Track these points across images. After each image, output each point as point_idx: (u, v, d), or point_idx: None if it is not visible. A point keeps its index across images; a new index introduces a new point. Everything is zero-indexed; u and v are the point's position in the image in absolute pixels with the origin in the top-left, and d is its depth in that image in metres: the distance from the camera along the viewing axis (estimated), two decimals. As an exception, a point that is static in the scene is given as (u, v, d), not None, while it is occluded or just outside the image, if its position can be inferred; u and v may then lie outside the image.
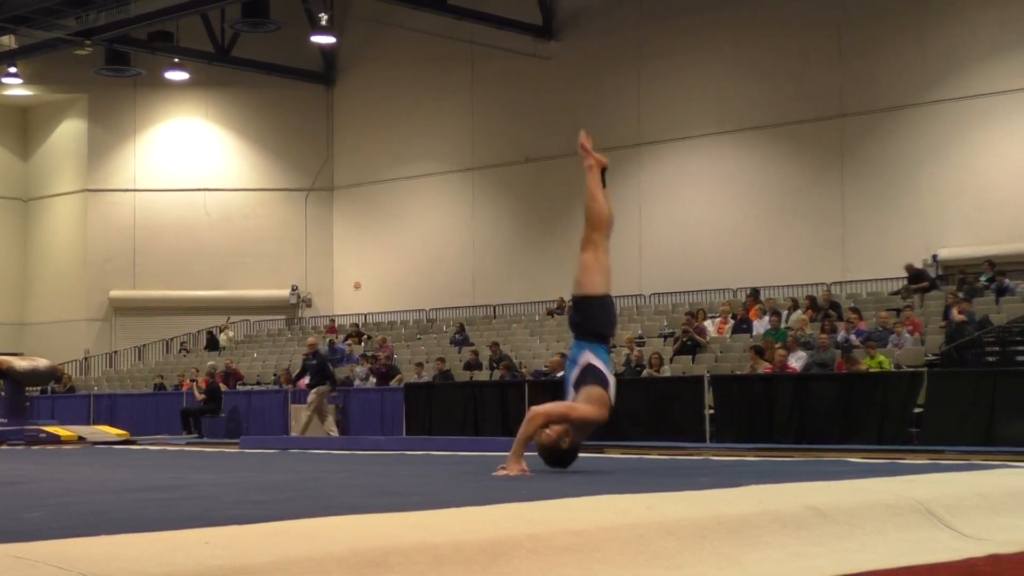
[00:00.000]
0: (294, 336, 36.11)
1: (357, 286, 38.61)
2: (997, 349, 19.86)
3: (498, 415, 21.37)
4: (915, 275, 25.35)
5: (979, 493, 5.58)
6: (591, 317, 8.34)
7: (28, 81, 38.40)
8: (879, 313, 22.60)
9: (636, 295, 31.35)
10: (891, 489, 5.46)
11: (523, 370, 25.27)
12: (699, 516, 4.52)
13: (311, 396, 22.94)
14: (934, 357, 20.14)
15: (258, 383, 30.52)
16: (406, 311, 35.79)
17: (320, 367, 23.57)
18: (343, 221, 39.56)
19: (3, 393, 24.00)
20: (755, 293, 26.48)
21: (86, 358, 38.53)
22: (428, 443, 16.35)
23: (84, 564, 3.45)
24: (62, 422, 23.24)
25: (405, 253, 37.24)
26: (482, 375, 25.72)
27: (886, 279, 26.61)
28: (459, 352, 28.89)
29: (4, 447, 19.35)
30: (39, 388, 30.49)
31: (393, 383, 25.80)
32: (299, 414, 23.60)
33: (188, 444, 20.52)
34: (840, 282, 27.45)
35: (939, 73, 27.59)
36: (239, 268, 39.29)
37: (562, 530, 4.16)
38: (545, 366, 24.53)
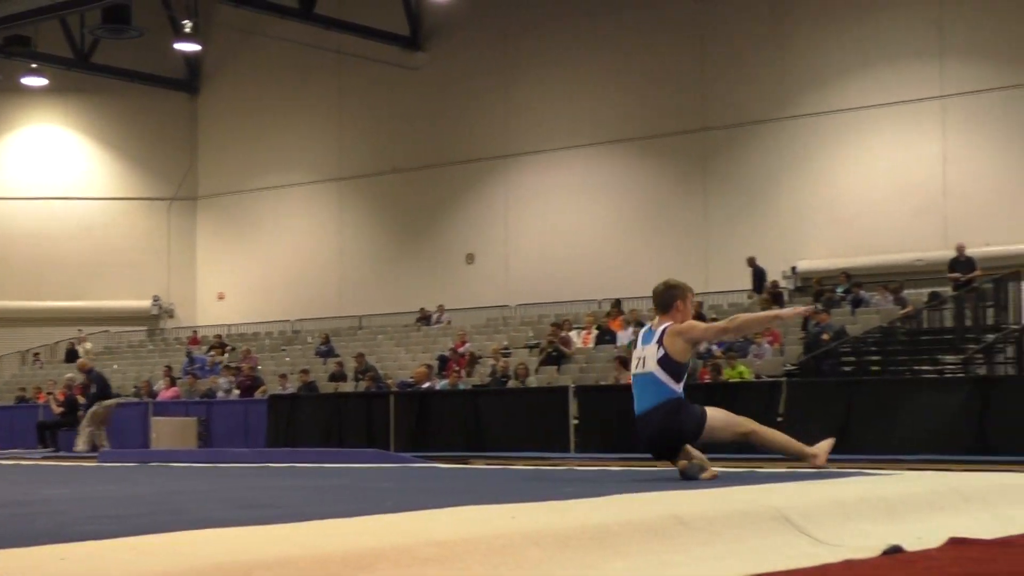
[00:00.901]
0: (156, 347, 35.52)
1: (221, 297, 38.12)
2: (853, 359, 20.33)
3: (363, 427, 21.25)
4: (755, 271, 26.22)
5: (834, 500, 5.71)
6: None
7: None
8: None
9: (502, 306, 31.48)
10: (750, 497, 5.56)
11: (389, 381, 25.17)
12: (563, 525, 4.55)
13: (97, 409, 22.30)
14: (793, 367, 20.54)
15: (118, 395, 29.88)
16: (271, 322, 35.45)
17: (101, 384, 22.94)
18: (207, 231, 39.05)
19: None
20: (617, 304, 26.75)
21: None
22: (292, 455, 16.19)
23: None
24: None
25: (270, 263, 36.88)
26: (347, 386, 25.58)
27: (747, 290, 27.08)
28: (324, 363, 28.69)
29: None
30: None
31: (257, 395, 25.52)
32: (84, 430, 22.95)
33: (44, 458, 20.03)
34: (703, 293, 27.83)
35: (798, 89, 28.20)
36: (99, 278, 38.51)
37: (426, 541, 4.15)
38: (411, 377, 24.48)
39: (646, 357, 7.89)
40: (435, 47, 34.03)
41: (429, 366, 24.30)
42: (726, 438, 8.19)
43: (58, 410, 26.15)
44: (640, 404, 7.94)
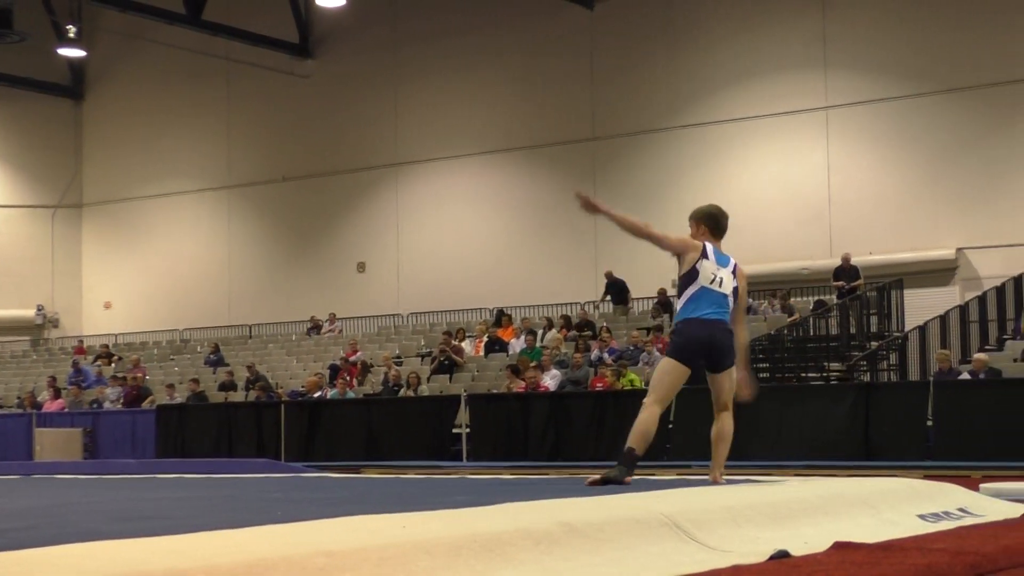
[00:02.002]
0: (40, 358, 34.83)
1: (108, 306, 37.53)
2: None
3: (254, 436, 21.08)
4: (611, 284, 26.50)
5: (723, 506, 5.78)
6: None
7: None
8: (631, 332, 23.18)
9: (393, 315, 31.41)
10: (639, 504, 5.60)
11: (279, 391, 24.97)
12: (454, 534, 4.54)
13: None
14: (682, 374, 20.68)
15: (0, 406, 29.32)
16: (159, 331, 34.98)
17: None
18: (93, 239, 38.42)
19: None
20: (499, 313, 26.86)
21: None
22: (180, 466, 15.99)
23: None
24: None
25: (159, 272, 36.40)
26: (237, 396, 25.32)
27: (638, 298, 27.30)
28: (214, 373, 28.37)
29: None
30: None
31: (145, 405, 25.16)
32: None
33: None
34: (594, 301, 28.04)
35: (687, 99, 28.53)
36: (-19, 287, 37.72)
37: (317, 551, 4.12)
38: (302, 386, 24.31)
39: (724, 279, 8.17)
40: (325, 55, 33.87)
41: (320, 375, 24.16)
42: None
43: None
44: (714, 314, 8.03)
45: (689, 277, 8.22)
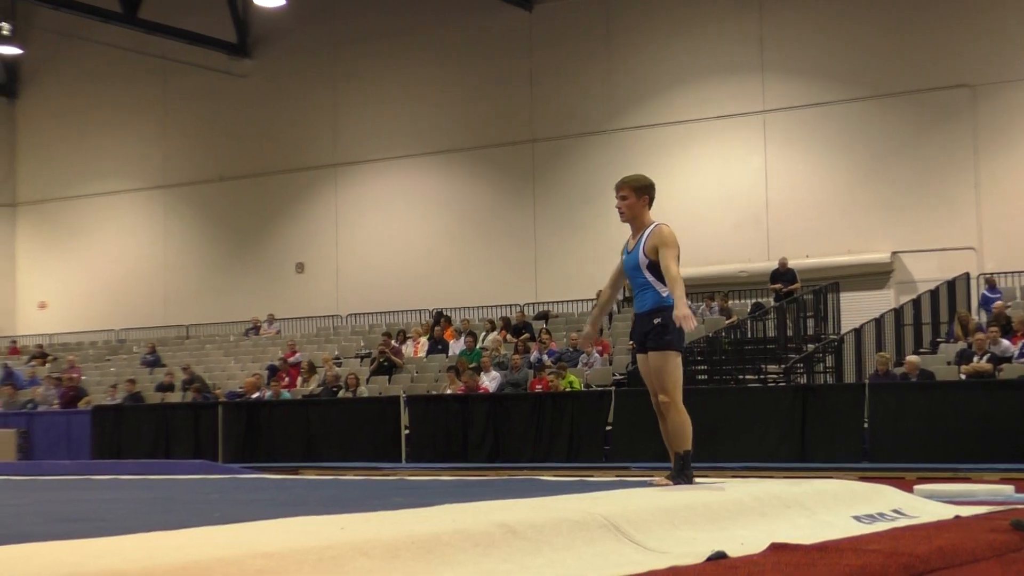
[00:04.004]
0: (-27, 358, 34.38)
1: (43, 306, 37.10)
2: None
3: (191, 438, 20.93)
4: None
5: (660, 507, 5.81)
6: None
7: None
8: (570, 334, 23.24)
9: (333, 315, 31.30)
10: (578, 506, 5.62)
11: (217, 391, 24.81)
12: (392, 536, 4.54)
13: None
14: (621, 376, 20.84)
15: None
16: (95, 331, 34.64)
17: None
18: (27, 237, 37.97)
19: None
20: (438, 316, 26.85)
21: None
22: (116, 467, 15.85)
23: None
24: None
25: (94, 271, 36.03)
26: (174, 397, 25.13)
27: (577, 300, 27.38)
28: (151, 373, 28.15)
29: None
30: None
31: (80, 405, 24.91)
32: None
33: None
34: (532, 303, 28.09)
35: (626, 102, 28.63)
36: (-88, 286, 37.18)
37: (254, 553, 4.11)
38: (240, 387, 24.17)
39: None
40: (262, 54, 33.67)
41: (258, 375, 24.02)
42: None
43: None
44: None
45: (655, 265, 7.98)
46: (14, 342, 34.29)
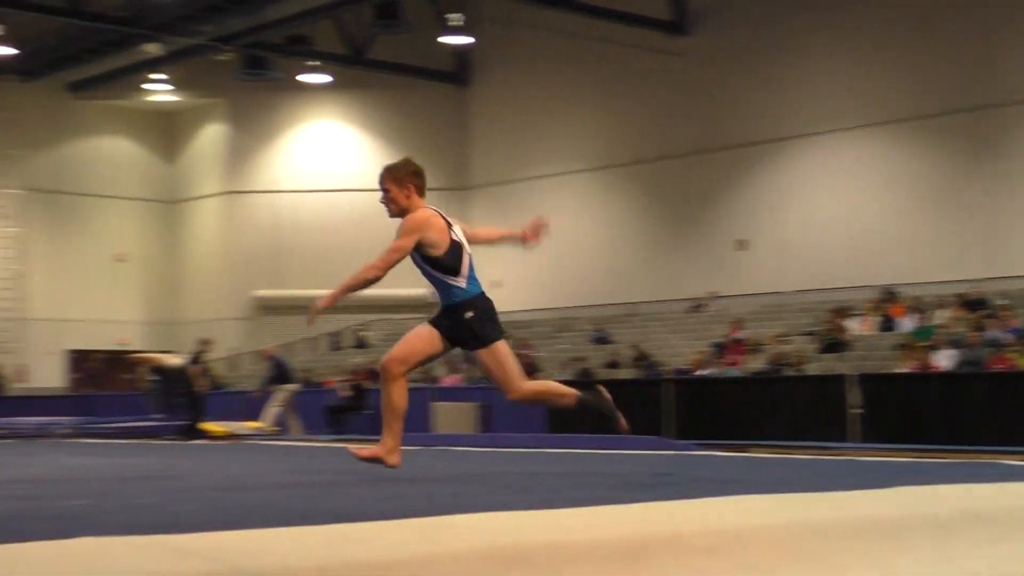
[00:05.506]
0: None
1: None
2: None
3: (639, 414, 21.27)
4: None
5: None
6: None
7: (173, 87, 39.18)
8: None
9: (776, 292, 30.89)
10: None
11: (663, 368, 25.07)
12: (847, 518, 4.45)
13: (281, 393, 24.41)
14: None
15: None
16: (545, 309, 35.70)
17: (278, 370, 25.08)
18: (480, 220, 39.66)
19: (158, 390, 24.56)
20: (887, 292, 25.98)
21: (230, 355, 39.20)
22: (571, 441, 16.34)
23: (235, 556, 3.50)
24: (212, 418, 23.70)
25: (542, 251, 34.16)
26: (623, 374, 25.58)
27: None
28: (598, 350, 28.84)
29: (160, 442, 19.94)
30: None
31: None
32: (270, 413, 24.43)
33: (333, 440, 20.78)
34: (985, 279, 26.69)
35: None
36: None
37: (706, 530, 4.13)
38: (686, 364, 24.31)
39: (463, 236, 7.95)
40: (699, 31, 33.62)
41: (705, 351, 24.13)
42: None
43: (346, 394, 27.22)
44: None
45: (455, 253, 7.65)
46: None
